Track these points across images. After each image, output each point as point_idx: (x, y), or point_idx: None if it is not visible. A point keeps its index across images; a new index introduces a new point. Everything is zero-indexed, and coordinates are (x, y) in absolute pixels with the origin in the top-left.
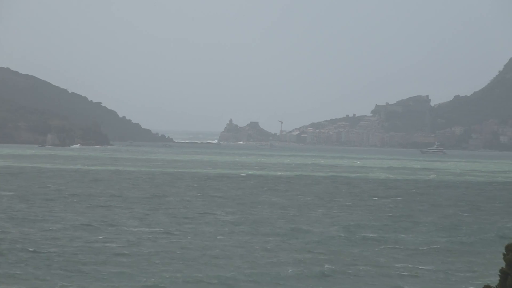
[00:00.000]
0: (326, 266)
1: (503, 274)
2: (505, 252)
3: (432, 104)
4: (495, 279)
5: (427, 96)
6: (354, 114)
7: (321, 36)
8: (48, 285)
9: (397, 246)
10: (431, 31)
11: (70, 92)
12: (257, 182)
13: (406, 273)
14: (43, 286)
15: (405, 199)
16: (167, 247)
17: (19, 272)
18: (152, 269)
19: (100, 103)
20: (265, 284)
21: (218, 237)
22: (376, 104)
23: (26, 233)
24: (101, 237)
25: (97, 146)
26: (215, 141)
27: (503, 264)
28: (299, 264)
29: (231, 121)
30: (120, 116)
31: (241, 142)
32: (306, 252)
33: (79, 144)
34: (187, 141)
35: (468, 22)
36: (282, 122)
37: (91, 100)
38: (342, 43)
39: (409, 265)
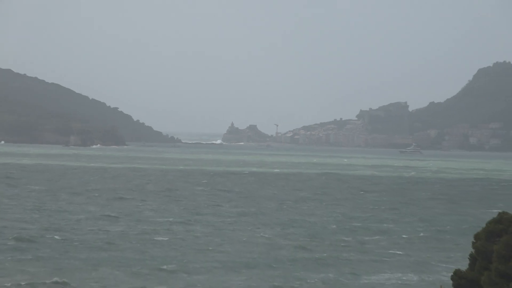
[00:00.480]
0: (319, 251)
1: (472, 259)
2: (474, 240)
3: (410, 109)
4: (467, 264)
5: (406, 103)
6: (341, 118)
7: (311, 50)
8: (72, 267)
9: (382, 235)
10: (411, 44)
11: (90, 98)
12: (257, 178)
13: (388, 259)
14: (68, 267)
15: (389, 193)
16: (179, 235)
17: (46, 256)
18: (166, 255)
19: (117, 108)
20: (264, 267)
21: (224, 226)
22: (361, 109)
23: (53, 222)
24: (120, 226)
25: (115, 146)
26: (218, 142)
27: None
28: (296, 249)
29: (232, 124)
30: (135, 119)
31: (242, 143)
32: (301, 240)
33: (99, 145)
34: (193, 142)
35: (443, 38)
36: (277, 125)
37: (109, 106)
38: (330, 56)
39: (392, 251)
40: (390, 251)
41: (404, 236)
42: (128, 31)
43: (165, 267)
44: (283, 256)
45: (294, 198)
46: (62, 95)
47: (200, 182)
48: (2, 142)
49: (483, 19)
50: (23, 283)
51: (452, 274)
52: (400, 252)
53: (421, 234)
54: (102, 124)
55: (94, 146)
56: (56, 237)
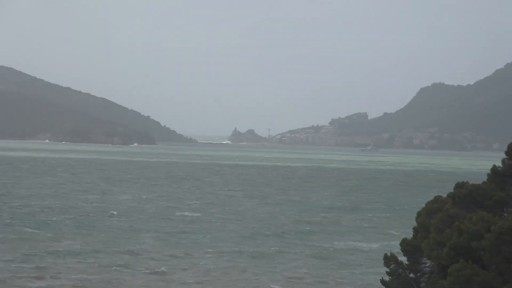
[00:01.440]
0: (311, 225)
1: (415, 230)
2: (417, 216)
3: (369, 118)
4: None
5: (366, 113)
6: (318, 124)
7: (293, 71)
8: (122, 238)
9: (356, 213)
10: (366, 60)
11: (129, 109)
12: (259, 169)
13: (359, 230)
14: (119, 238)
15: (361, 181)
16: (201, 213)
17: (100, 230)
18: (193, 226)
19: (149, 116)
20: (266, 235)
21: (235, 206)
22: (332, 118)
23: (106, 202)
24: (158, 207)
25: (147, 145)
26: (226, 142)
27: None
28: (293, 223)
29: (235, 129)
30: (162, 125)
31: (244, 143)
32: (298, 215)
33: (135, 144)
34: (207, 142)
35: (392, 56)
36: (269, 129)
37: (143, 114)
38: (308, 74)
39: (362, 224)
40: (361, 224)
41: (372, 213)
42: (159, 51)
43: (192, 236)
44: (280, 227)
45: (289, 184)
46: (108, 106)
47: (215, 171)
48: (64, 142)
49: (426, 44)
50: (89, 248)
51: (400, 242)
52: (368, 225)
53: (385, 212)
54: (138, 128)
55: (132, 145)
56: (111, 212)
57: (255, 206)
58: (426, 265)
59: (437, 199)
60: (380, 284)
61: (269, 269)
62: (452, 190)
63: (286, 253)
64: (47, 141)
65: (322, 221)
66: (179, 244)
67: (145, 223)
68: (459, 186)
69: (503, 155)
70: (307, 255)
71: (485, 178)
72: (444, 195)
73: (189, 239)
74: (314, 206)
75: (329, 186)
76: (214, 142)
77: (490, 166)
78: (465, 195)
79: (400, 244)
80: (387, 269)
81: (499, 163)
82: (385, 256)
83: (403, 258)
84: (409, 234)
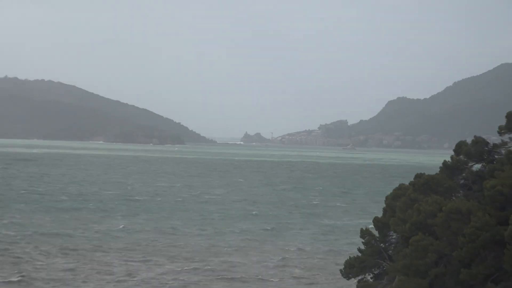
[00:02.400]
0: (312, 207)
1: (384, 211)
2: (385, 199)
3: (348, 124)
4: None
5: (346, 120)
6: (309, 129)
7: (288, 83)
8: (165, 218)
9: (343, 196)
10: (346, 76)
11: (164, 117)
12: (269, 163)
13: (344, 210)
14: (161, 218)
15: (346, 174)
16: (225, 197)
17: (141, 213)
18: (214, 208)
19: (179, 122)
20: (280, 215)
21: (251, 190)
22: (320, 124)
23: (144, 189)
24: (191, 194)
25: (178, 145)
26: (239, 143)
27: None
28: (291, 206)
29: (246, 132)
30: (190, 129)
31: (254, 143)
32: (297, 199)
33: (169, 144)
34: (224, 143)
35: (363, 69)
36: (272, 133)
37: (175, 121)
38: (303, 86)
39: (347, 205)
40: (346, 205)
41: (356, 197)
42: (182, 67)
43: (213, 216)
44: (287, 204)
45: (293, 175)
46: (148, 115)
47: (234, 165)
48: (114, 142)
49: (392, 64)
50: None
51: (373, 219)
52: (353, 206)
53: (365, 196)
54: (171, 132)
55: (167, 145)
56: (158, 199)
57: (270, 191)
58: (393, 237)
59: (401, 187)
60: (357, 251)
61: (284, 241)
62: (412, 180)
63: (294, 229)
64: (101, 142)
65: (320, 204)
66: (208, 220)
67: (186, 203)
68: (418, 176)
69: (452, 153)
70: (310, 229)
71: (438, 170)
72: (407, 183)
73: (215, 217)
74: (315, 191)
75: (324, 177)
76: (230, 143)
77: (442, 161)
78: (423, 183)
79: (373, 221)
80: (363, 240)
81: (448, 159)
82: (361, 230)
83: (375, 232)
84: (381, 214)
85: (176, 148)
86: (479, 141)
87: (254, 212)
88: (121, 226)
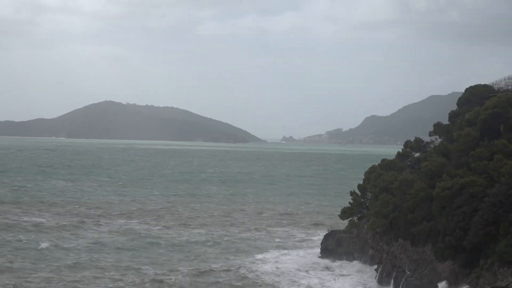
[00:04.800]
0: (323, 179)
1: (364, 180)
2: (364, 174)
3: (343, 130)
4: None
5: (341, 129)
6: (320, 133)
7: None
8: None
9: (344, 171)
10: (347, 98)
11: (229, 124)
12: (301, 153)
13: (336, 191)
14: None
15: (344, 161)
16: (267, 175)
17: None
18: (251, 189)
19: (241, 128)
20: (299, 184)
21: (285, 170)
22: (326, 130)
23: (223, 173)
24: (256, 173)
25: (244, 144)
26: (282, 142)
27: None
28: (298, 178)
29: (284, 135)
30: (243, 130)
31: (290, 143)
32: (318, 175)
33: (238, 143)
34: (272, 142)
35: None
36: (299, 136)
37: (239, 128)
38: (313, 97)
39: (341, 186)
40: (346, 176)
41: (351, 172)
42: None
43: (248, 198)
44: (292, 184)
45: (312, 159)
46: (225, 125)
47: (282, 155)
48: (208, 142)
49: (368, 85)
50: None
51: (357, 185)
52: (349, 176)
53: (356, 172)
54: (237, 135)
55: (237, 144)
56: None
57: (300, 168)
58: (369, 196)
59: (373, 166)
60: (348, 204)
61: (298, 201)
62: (380, 162)
63: (304, 193)
64: (200, 141)
65: (330, 176)
66: (249, 190)
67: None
68: (383, 160)
69: (402, 147)
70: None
71: (394, 157)
72: (377, 164)
73: (243, 197)
74: (327, 167)
75: (333, 160)
76: (276, 142)
77: (396, 152)
78: (386, 164)
79: (357, 186)
80: (351, 197)
81: (400, 150)
82: (350, 192)
83: (358, 192)
84: (362, 182)
85: (248, 145)
86: (418, 140)
87: (277, 185)
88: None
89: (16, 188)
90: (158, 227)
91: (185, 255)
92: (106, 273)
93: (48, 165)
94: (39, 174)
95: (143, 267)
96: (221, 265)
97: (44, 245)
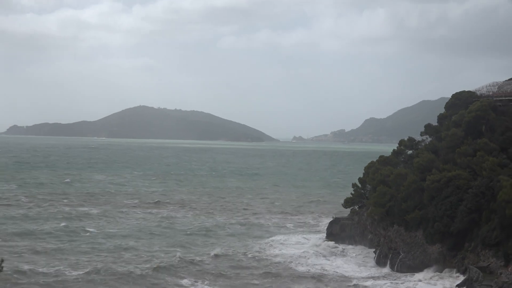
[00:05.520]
0: (329, 172)
1: (364, 174)
2: (364, 168)
3: (345, 131)
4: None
5: (344, 129)
6: (325, 133)
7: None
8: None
9: (348, 166)
10: (350, 103)
11: (242, 124)
12: (311, 150)
13: (349, 173)
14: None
15: (347, 157)
16: (276, 169)
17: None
18: (266, 180)
19: (258, 129)
20: (306, 178)
21: (295, 164)
22: (331, 131)
23: (247, 164)
24: (271, 167)
25: (255, 142)
26: (293, 141)
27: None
28: (308, 172)
29: (294, 135)
30: (259, 130)
31: (299, 141)
32: (327, 168)
33: (254, 142)
34: (284, 141)
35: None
36: (308, 136)
37: (255, 128)
38: (318, 101)
39: (350, 171)
40: (349, 170)
41: (353, 166)
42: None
43: (264, 189)
44: (298, 174)
45: (320, 156)
46: (235, 125)
47: (294, 151)
48: (229, 141)
49: (368, 91)
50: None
51: (358, 178)
52: (351, 171)
53: (358, 168)
54: (253, 135)
55: (253, 142)
56: (251, 171)
57: (310, 163)
58: (368, 187)
59: (372, 162)
60: (350, 194)
61: (308, 192)
62: (377, 159)
63: (313, 185)
64: (222, 141)
65: (335, 170)
66: (261, 181)
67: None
68: (380, 157)
69: (397, 145)
70: (323, 184)
71: (390, 154)
72: (375, 160)
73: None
74: (334, 163)
75: (338, 157)
76: (288, 141)
77: (392, 149)
78: (383, 160)
79: (358, 179)
80: (353, 188)
81: (395, 148)
82: (352, 184)
83: (359, 184)
84: (362, 175)
85: (264, 143)
86: (410, 139)
87: (287, 177)
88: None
89: (65, 181)
90: (185, 215)
91: (209, 239)
92: (142, 255)
93: (91, 161)
94: (84, 169)
95: (171, 249)
96: (241, 248)
97: (90, 230)
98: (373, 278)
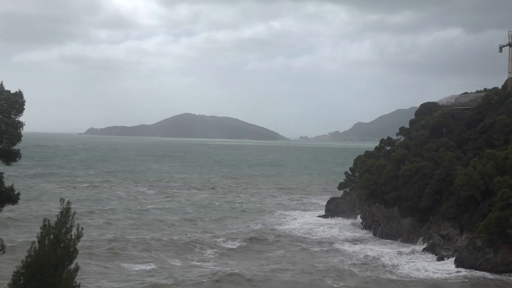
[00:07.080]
0: (327, 164)
1: (354, 164)
2: (354, 160)
3: (340, 132)
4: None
5: (338, 130)
6: (324, 134)
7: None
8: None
9: (343, 158)
10: (344, 109)
11: (261, 126)
12: (315, 147)
13: (344, 163)
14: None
15: (344, 153)
16: (289, 162)
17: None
18: (278, 170)
19: (273, 131)
20: (304, 170)
21: (300, 156)
22: (329, 132)
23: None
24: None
25: (271, 140)
26: (301, 140)
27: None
28: (312, 163)
29: (301, 135)
30: (274, 131)
31: (305, 140)
32: (330, 164)
33: (269, 141)
34: (293, 139)
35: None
36: (311, 136)
37: (271, 130)
38: (317, 105)
39: (345, 162)
40: (344, 162)
41: (349, 159)
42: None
43: (278, 176)
44: (303, 168)
45: (324, 152)
46: (256, 127)
47: (305, 149)
48: (252, 140)
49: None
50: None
51: (349, 167)
52: (347, 163)
53: (347, 157)
54: (269, 135)
55: (269, 141)
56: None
57: (310, 156)
58: (356, 174)
59: (359, 155)
60: (343, 179)
61: (312, 179)
62: (364, 153)
63: (316, 173)
64: (246, 139)
65: (333, 161)
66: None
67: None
68: (366, 152)
69: (378, 143)
70: (320, 175)
71: (373, 149)
72: (361, 154)
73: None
74: (333, 156)
75: (328, 154)
76: (295, 139)
77: (374, 146)
78: (368, 154)
79: (349, 168)
80: (345, 176)
81: (377, 145)
82: (345, 172)
83: (350, 172)
84: (352, 165)
85: (278, 141)
86: (389, 138)
87: (291, 168)
88: (280, 171)
89: (128, 169)
90: (216, 196)
91: (235, 217)
92: (181, 229)
93: (147, 155)
94: (143, 160)
95: (210, 227)
96: (258, 223)
97: (148, 207)
98: (362, 239)
